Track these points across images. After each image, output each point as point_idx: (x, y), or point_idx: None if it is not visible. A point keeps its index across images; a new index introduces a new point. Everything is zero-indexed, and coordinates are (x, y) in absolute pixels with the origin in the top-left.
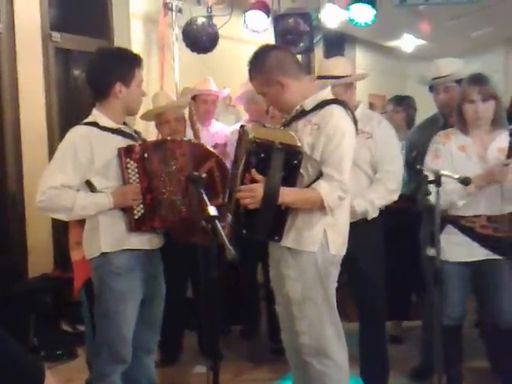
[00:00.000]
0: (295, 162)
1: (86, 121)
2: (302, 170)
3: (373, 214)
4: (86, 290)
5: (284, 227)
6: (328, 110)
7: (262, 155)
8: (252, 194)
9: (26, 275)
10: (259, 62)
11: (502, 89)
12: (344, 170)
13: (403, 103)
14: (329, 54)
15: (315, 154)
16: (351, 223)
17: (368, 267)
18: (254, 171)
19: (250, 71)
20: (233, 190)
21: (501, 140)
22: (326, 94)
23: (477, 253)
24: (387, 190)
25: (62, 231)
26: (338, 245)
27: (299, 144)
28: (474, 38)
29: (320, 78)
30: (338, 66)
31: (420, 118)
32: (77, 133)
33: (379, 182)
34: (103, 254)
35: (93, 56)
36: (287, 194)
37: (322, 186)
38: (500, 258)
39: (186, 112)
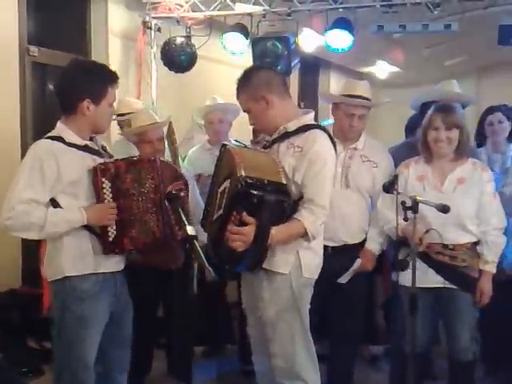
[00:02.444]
0: (285, 204)
1: (50, 135)
2: None
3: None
4: None
5: (264, 260)
6: (311, 134)
7: (254, 200)
8: (243, 238)
9: None
10: (248, 78)
11: (474, 116)
12: (325, 195)
13: None
14: (304, 77)
15: (297, 176)
16: (338, 247)
17: (353, 291)
18: (245, 214)
19: (238, 87)
20: (209, 206)
21: (462, 170)
22: (309, 118)
23: (432, 279)
24: None
25: (32, 247)
26: (312, 267)
27: (285, 182)
28: (448, 67)
29: (350, 96)
30: (368, 88)
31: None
32: (42, 146)
33: None
34: (66, 277)
35: (66, 67)
36: (276, 235)
37: (305, 216)
38: (455, 287)
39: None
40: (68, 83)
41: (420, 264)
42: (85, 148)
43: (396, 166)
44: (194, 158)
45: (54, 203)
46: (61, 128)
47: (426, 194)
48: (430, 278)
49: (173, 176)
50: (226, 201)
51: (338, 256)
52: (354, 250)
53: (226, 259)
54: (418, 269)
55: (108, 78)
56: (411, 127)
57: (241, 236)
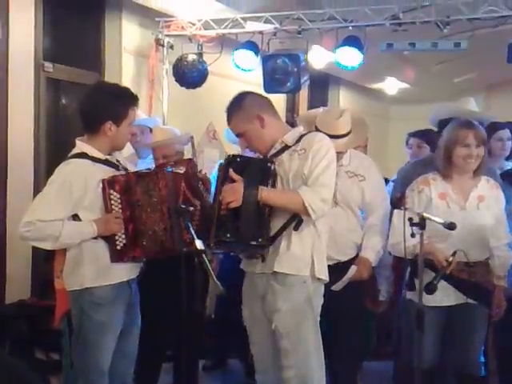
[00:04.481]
0: (269, 165)
1: (74, 152)
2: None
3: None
4: (69, 320)
5: (267, 231)
6: (311, 135)
7: (239, 160)
8: (233, 191)
9: (3, 301)
10: (239, 102)
11: None
12: (327, 176)
13: (426, 137)
14: (314, 93)
15: (304, 169)
16: (331, 266)
17: (355, 306)
18: (231, 171)
19: (230, 112)
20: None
21: (481, 188)
22: (302, 129)
23: (452, 297)
24: (385, 234)
25: (42, 259)
26: (324, 269)
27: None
28: (457, 84)
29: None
30: (345, 126)
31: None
32: (71, 167)
33: (376, 227)
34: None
35: (90, 89)
36: (267, 191)
37: (303, 189)
38: (474, 302)
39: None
40: (92, 105)
41: (440, 282)
42: (105, 162)
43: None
44: None
45: (75, 218)
46: (82, 145)
47: (451, 212)
48: (449, 298)
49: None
50: (217, 178)
51: (331, 274)
52: (347, 266)
53: (225, 228)
54: (438, 289)
55: (130, 100)
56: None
57: (231, 190)
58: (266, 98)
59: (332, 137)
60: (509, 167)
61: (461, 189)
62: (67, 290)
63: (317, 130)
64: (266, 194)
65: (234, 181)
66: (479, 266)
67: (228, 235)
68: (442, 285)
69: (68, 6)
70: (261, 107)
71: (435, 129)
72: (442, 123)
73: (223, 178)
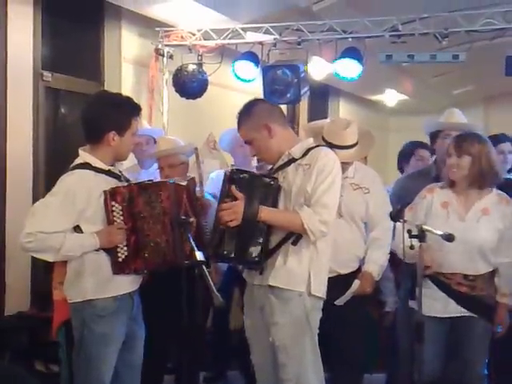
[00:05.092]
0: (272, 183)
1: (77, 163)
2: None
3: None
4: (66, 331)
5: (265, 249)
6: (317, 150)
7: (242, 176)
8: (233, 210)
9: (2, 313)
10: (249, 109)
11: None
12: (330, 197)
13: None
14: (314, 105)
15: (308, 187)
16: (331, 278)
17: (355, 319)
18: (233, 187)
19: (239, 119)
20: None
21: (487, 201)
22: (311, 142)
23: (452, 309)
24: (387, 248)
25: (42, 270)
26: (322, 287)
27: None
28: (455, 96)
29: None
30: (351, 137)
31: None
32: (75, 179)
33: (379, 241)
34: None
35: (92, 99)
36: (267, 212)
37: (304, 210)
38: (475, 316)
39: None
40: (95, 115)
41: (440, 294)
42: (108, 172)
43: (409, 196)
44: (218, 181)
45: (76, 230)
46: (85, 155)
47: (450, 222)
48: (450, 309)
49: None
50: (220, 193)
51: (331, 286)
52: (347, 279)
53: (223, 244)
54: (438, 299)
55: (133, 110)
56: (405, 154)
57: (231, 210)
58: (278, 107)
59: (339, 147)
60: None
61: (465, 200)
62: (69, 302)
63: (324, 140)
64: (265, 214)
65: (235, 197)
66: (479, 279)
67: (225, 251)
68: (443, 296)
69: (67, 15)
70: (270, 116)
71: None
72: (432, 136)
73: (225, 194)
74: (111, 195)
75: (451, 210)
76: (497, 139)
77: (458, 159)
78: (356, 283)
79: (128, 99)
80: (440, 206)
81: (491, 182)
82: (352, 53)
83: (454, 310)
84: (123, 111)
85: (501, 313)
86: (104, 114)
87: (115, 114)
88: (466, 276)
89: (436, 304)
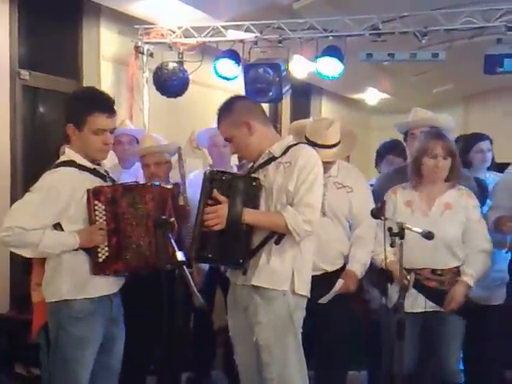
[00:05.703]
0: (254, 184)
1: (62, 160)
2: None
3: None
4: (46, 333)
5: (248, 250)
6: (297, 148)
7: (224, 178)
8: (217, 214)
9: None
10: (229, 106)
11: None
12: (313, 196)
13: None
14: (296, 103)
15: (290, 185)
16: (318, 276)
17: (339, 318)
18: (215, 191)
19: (219, 115)
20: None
21: (449, 196)
22: (291, 139)
23: (422, 304)
24: (371, 245)
25: (20, 272)
26: (306, 285)
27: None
28: (435, 94)
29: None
30: (334, 136)
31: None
32: (59, 175)
33: (362, 239)
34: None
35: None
36: (251, 214)
37: (288, 210)
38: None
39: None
40: (64, 109)
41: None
42: (93, 171)
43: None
44: (197, 183)
45: (57, 228)
46: (70, 153)
47: (414, 219)
48: (420, 303)
49: (172, 201)
50: (200, 195)
51: (318, 284)
52: (334, 276)
53: (207, 247)
54: (408, 295)
55: (91, 106)
56: (379, 155)
57: (215, 214)
58: (259, 104)
59: (321, 146)
60: (490, 178)
61: (427, 196)
62: (46, 301)
63: (306, 139)
64: (249, 216)
65: (218, 201)
66: (447, 274)
67: (209, 253)
68: (412, 292)
69: (45, 12)
70: (250, 113)
71: None
72: (404, 136)
73: (206, 195)
74: (94, 194)
75: (415, 207)
76: (476, 137)
77: (444, 161)
78: (340, 282)
79: (93, 94)
80: (404, 205)
81: (459, 178)
82: (333, 51)
83: (424, 304)
84: (79, 105)
85: (457, 288)
86: (65, 106)
87: (72, 106)
88: (434, 271)
89: (406, 300)
